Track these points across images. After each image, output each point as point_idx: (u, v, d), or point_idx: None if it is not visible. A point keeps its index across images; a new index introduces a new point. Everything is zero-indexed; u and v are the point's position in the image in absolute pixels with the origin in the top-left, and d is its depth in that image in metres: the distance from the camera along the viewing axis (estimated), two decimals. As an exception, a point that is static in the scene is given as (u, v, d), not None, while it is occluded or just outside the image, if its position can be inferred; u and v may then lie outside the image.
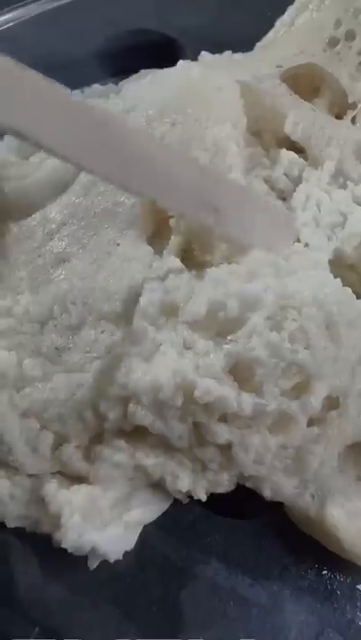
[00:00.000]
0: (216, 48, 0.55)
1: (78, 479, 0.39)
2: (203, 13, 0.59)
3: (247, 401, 0.35)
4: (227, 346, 0.36)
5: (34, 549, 0.40)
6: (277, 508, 0.41)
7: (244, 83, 0.50)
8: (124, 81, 0.57)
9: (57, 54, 0.58)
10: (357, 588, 0.40)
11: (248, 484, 0.39)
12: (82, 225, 0.45)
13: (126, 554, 0.38)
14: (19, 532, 0.39)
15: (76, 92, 0.55)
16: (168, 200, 0.36)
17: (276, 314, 0.36)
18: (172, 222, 0.43)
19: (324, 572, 0.41)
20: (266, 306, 0.36)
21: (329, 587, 0.40)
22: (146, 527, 0.40)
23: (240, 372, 0.36)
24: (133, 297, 0.39)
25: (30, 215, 0.47)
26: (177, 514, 0.41)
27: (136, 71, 0.53)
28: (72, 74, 0.58)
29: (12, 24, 0.61)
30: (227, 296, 0.36)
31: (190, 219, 0.39)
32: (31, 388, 0.39)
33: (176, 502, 0.40)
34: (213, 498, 0.39)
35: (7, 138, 0.54)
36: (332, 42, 0.54)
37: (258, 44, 0.57)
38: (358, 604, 0.40)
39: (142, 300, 0.38)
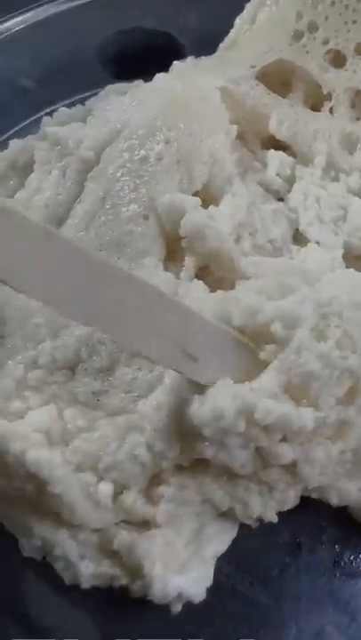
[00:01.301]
0: (216, 46, 0.54)
1: (144, 524, 0.37)
2: (203, 12, 0.57)
3: (308, 417, 0.35)
4: (277, 363, 0.35)
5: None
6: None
7: (223, 88, 0.49)
8: (92, 100, 0.55)
9: (58, 55, 0.57)
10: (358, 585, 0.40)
11: (313, 495, 0.39)
12: (89, 259, 0.43)
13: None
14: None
15: (46, 118, 0.53)
16: (144, 348, 0.31)
17: (319, 323, 0.36)
18: (184, 243, 0.42)
19: (324, 570, 0.40)
20: (307, 318, 0.36)
21: (329, 585, 0.40)
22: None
23: (293, 389, 0.36)
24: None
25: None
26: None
27: (136, 70, 0.51)
28: (74, 74, 0.56)
29: (15, 29, 0.59)
30: (268, 320, 0.36)
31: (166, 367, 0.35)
32: (79, 440, 0.37)
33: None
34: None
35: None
36: (297, 35, 0.54)
37: (221, 46, 0.56)
38: (358, 601, 0.40)
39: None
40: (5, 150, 0.53)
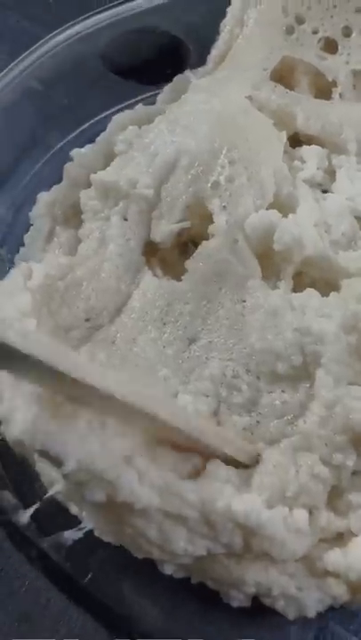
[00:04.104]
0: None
1: (339, 537, 0.38)
2: (209, 13, 0.56)
3: None
4: None
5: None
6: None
7: (249, 96, 0.49)
8: (104, 134, 0.52)
9: (63, 54, 0.55)
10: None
11: None
12: (188, 297, 0.42)
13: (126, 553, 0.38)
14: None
15: (68, 164, 0.51)
16: None
17: None
18: (280, 255, 0.42)
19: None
20: None
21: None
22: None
23: None
24: (308, 345, 0.38)
25: (119, 309, 0.43)
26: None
27: (140, 72, 0.50)
28: (78, 74, 0.55)
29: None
30: None
31: None
32: (259, 476, 0.37)
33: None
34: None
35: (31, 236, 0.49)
36: (289, 30, 0.54)
37: (213, 52, 0.56)
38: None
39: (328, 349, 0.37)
40: (35, 207, 0.51)
